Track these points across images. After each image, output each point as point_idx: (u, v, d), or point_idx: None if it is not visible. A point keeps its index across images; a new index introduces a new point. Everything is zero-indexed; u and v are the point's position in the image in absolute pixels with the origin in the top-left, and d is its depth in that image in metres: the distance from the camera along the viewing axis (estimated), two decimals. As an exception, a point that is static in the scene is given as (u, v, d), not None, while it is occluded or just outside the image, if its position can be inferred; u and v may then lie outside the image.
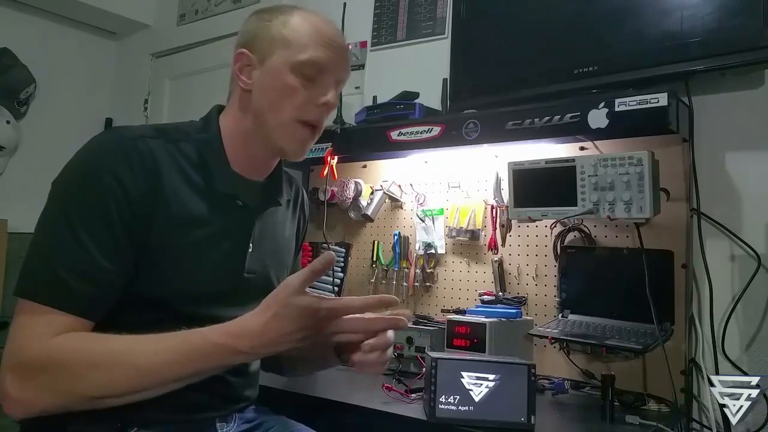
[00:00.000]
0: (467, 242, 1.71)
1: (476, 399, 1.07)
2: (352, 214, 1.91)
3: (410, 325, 1.06)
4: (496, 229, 1.66)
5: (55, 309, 0.80)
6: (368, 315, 0.87)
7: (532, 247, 1.62)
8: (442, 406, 1.07)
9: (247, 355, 0.82)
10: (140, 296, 0.87)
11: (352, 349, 0.92)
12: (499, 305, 1.54)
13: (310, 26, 0.95)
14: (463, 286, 1.73)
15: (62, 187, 0.86)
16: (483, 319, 1.42)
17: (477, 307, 1.54)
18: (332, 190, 1.86)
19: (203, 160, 0.95)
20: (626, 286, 1.40)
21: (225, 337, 0.80)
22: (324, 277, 1.76)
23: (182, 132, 0.96)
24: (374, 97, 1.89)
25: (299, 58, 0.93)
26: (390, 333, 0.92)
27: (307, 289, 0.81)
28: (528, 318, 1.55)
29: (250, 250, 0.99)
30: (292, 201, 1.15)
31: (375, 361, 0.89)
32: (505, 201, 1.60)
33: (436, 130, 1.53)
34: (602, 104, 1.27)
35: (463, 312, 1.52)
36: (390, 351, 0.92)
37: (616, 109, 1.26)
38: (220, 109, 1.03)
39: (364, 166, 1.95)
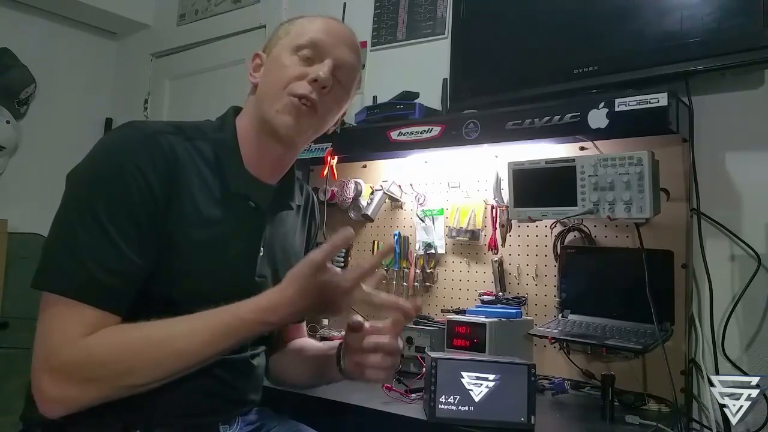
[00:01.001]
0: (467, 242, 1.71)
1: (476, 399, 1.07)
2: (352, 214, 1.91)
3: (410, 324, 1.07)
4: (496, 229, 1.66)
5: (86, 305, 0.80)
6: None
7: (532, 247, 1.62)
8: (442, 406, 1.07)
9: (273, 325, 0.88)
10: (151, 295, 0.87)
11: (354, 355, 0.95)
12: (499, 305, 1.54)
13: (314, 19, 1.00)
14: (463, 286, 1.73)
15: (85, 180, 0.85)
16: (483, 319, 1.42)
17: (477, 307, 1.54)
18: (332, 190, 1.86)
19: (218, 159, 0.95)
20: (626, 286, 1.40)
21: (255, 312, 0.84)
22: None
23: (199, 130, 0.97)
24: (374, 97, 1.89)
25: (297, 41, 0.97)
26: (398, 341, 0.94)
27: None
28: (528, 318, 1.55)
29: (261, 253, 0.99)
30: (303, 207, 1.15)
31: (376, 364, 0.92)
32: (505, 201, 1.60)
33: (436, 130, 1.53)
34: (602, 104, 1.27)
35: (463, 312, 1.52)
36: (396, 360, 0.94)
37: (616, 109, 1.26)
38: (236, 110, 1.03)
39: (364, 166, 1.95)
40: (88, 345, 0.79)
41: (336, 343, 1.06)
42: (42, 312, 0.81)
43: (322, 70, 0.95)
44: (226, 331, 0.83)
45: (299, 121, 0.96)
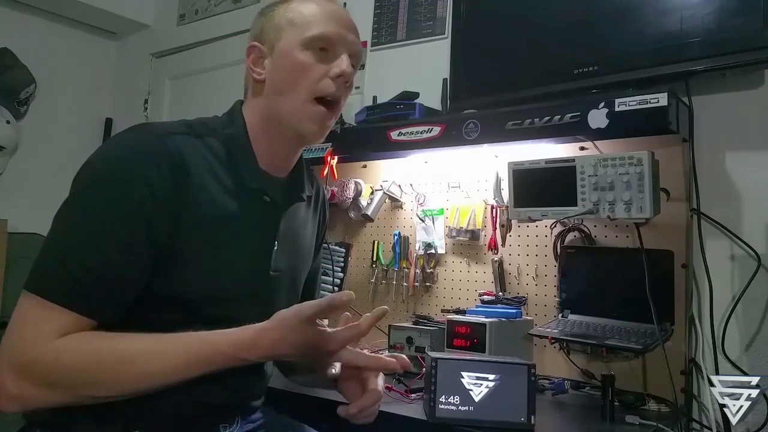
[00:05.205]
0: (467, 242, 1.71)
1: (476, 399, 1.07)
2: (352, 214, 1.91)
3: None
4: (496, 229, 1.66)
5: (63, 308, 0.79)
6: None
7: (532, 247, 1.62)
8: (442, 406, 1.07)
9: (249, 362, 0.85)
10: (163, 297, 0.86)
11: (345, 379, 0.99)
12: (499, 305, 1.54)
13: (313, 4, 0.97)
14: (463, 286, 1.73)
15: (87, 186, 0.84)
16: (483, 319, 1.42)
17: (477, 307, 1.54)
18: (332, 190, 1.86)
19: (231, 156, 0.94)
20: (626, 286, 1.40)
21: (235, 348, 0.82)
22: (324, 278, 1.76)
23: (208, 127, 0.95)
24: (374, 97, 1.89)
25: (308, 34, 0.94)
26: (381, 384, 0.96)
27: None
28: (528, 318, 1.55)
29: (276, 247, 0.98)
30: (314, 199, 1.15)
31: (361, 416, 0.94)
32: (505, 201, 1.60)
33: (436, 130, 1.53)
34: (602, 104, 1.27)
35: (463, 312, 1.52)
36: (377, 407, 0.96)
37: (616, 109, 1.26)
38: (242, 103, 1.02)
39: (364, 166, 1.94)
40: (57, 348, 0.77)
41: None
42: (17, 308, 0.80)
43: (344, 64, 0.95)
44: (200, 360, 0.81)
45: (324, 126, 0.97)
